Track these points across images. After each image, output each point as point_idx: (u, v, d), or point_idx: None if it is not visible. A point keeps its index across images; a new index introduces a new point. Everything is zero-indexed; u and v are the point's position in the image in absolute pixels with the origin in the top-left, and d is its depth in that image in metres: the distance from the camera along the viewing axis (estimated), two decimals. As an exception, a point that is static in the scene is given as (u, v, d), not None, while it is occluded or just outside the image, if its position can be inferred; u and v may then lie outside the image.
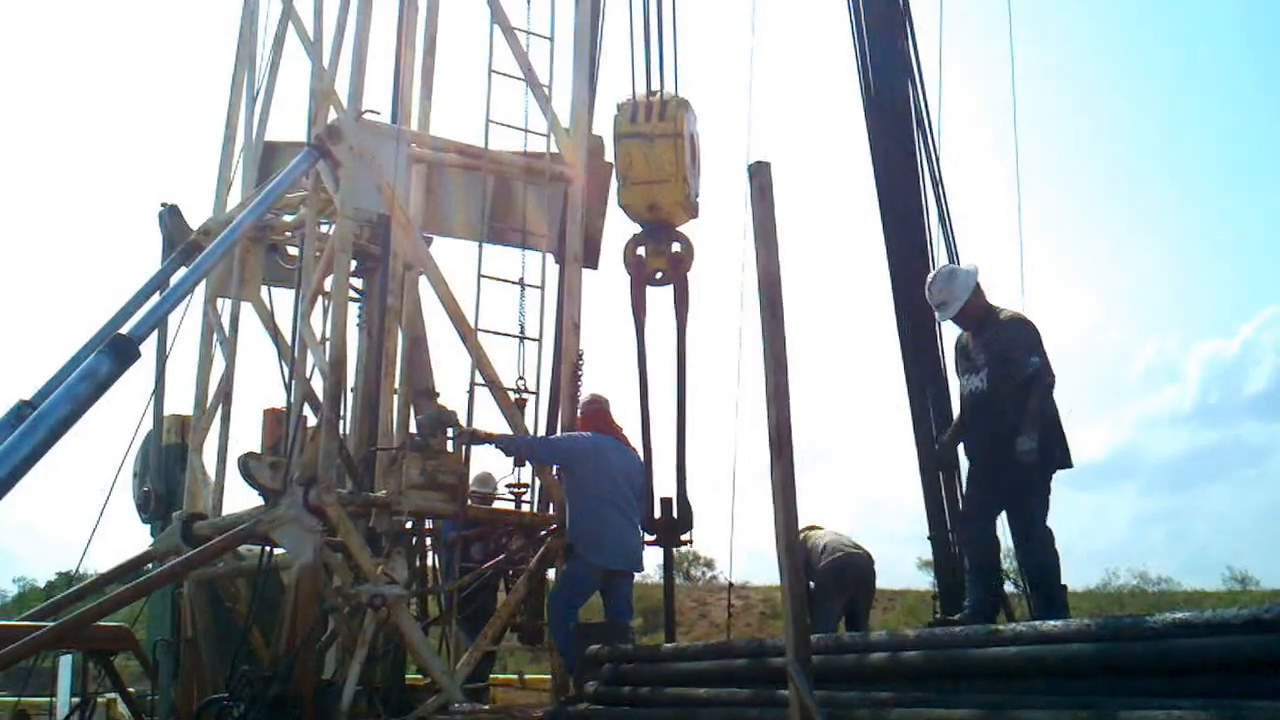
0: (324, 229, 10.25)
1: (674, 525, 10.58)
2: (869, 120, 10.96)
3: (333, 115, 9.79)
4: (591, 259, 10.62)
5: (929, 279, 9.18)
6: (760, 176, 7.88)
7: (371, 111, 9.59)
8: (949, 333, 9.68)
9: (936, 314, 9.16)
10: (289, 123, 11.28)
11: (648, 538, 10.22)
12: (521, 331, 9.76)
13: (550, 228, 10.17)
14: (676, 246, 10.94)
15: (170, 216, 11.54)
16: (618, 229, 10.99)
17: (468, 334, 9.55)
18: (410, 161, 9.85)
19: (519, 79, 10.10)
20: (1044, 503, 8.35)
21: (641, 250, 10.94)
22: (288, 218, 10.93)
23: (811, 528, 10.87)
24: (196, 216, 11.44)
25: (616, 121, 10.68)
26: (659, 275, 10.93)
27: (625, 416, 10.13)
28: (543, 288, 9.89)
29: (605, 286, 11.14)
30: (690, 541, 10.79)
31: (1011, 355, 8.48)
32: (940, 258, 10.55)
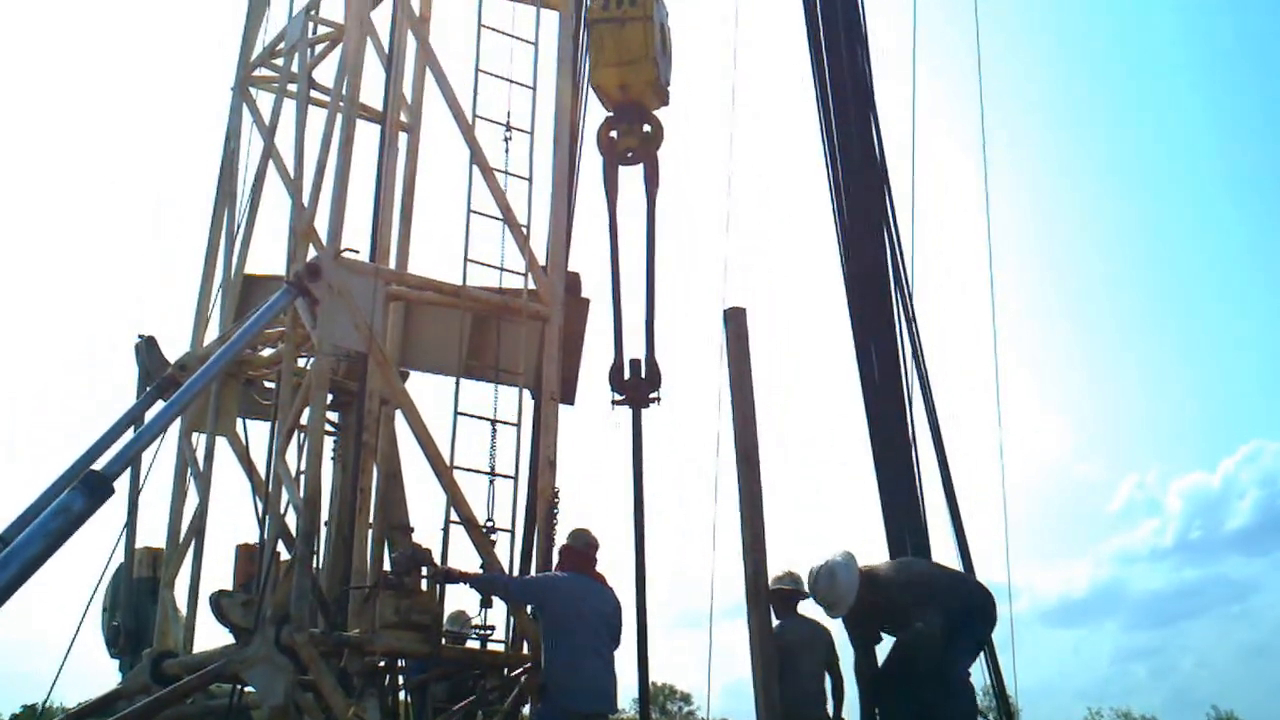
0: (301, 364, 10.28)
1: (642, 385, 11.14)
2: (847, 287, 11.15)
3: (312, 253, 9.89)
4: (568, 395, 10.67)
5: (810, 580, 9.52)
6: (736, 322, 8.04)
7: (350, 250, 9.68)
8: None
9: (827, 614, 9.56)
10: (269, 254, 11.40)
11: (617, 398, 10.96)
12: (492, 469, 9.78)
13: (527, 364, 10.23)
14: (647, 128, 11.50)
15: (147, 348, 11.54)
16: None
17: (443, 471, 9.55)
18: (388, 299, 9.93)
19: (497, 218, 10.23)
20: None
21: (614, 133, 11.50)
22: (265, 352, 10.96)
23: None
24: (173, 347, 11.48)
25: (589, 8, 11.20)
26: (630, 155, 11.54)
27: (598, 298, 10.85)
28: (519, 425, 9.92)
29: (582, 423, 11.21)
30: (658, 400, 11.19)
31: (909, 616, 9.01)
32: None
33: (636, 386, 11.25)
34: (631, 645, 10.60)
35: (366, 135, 10.50)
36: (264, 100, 11.76)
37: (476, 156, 10.26)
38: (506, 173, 10.36)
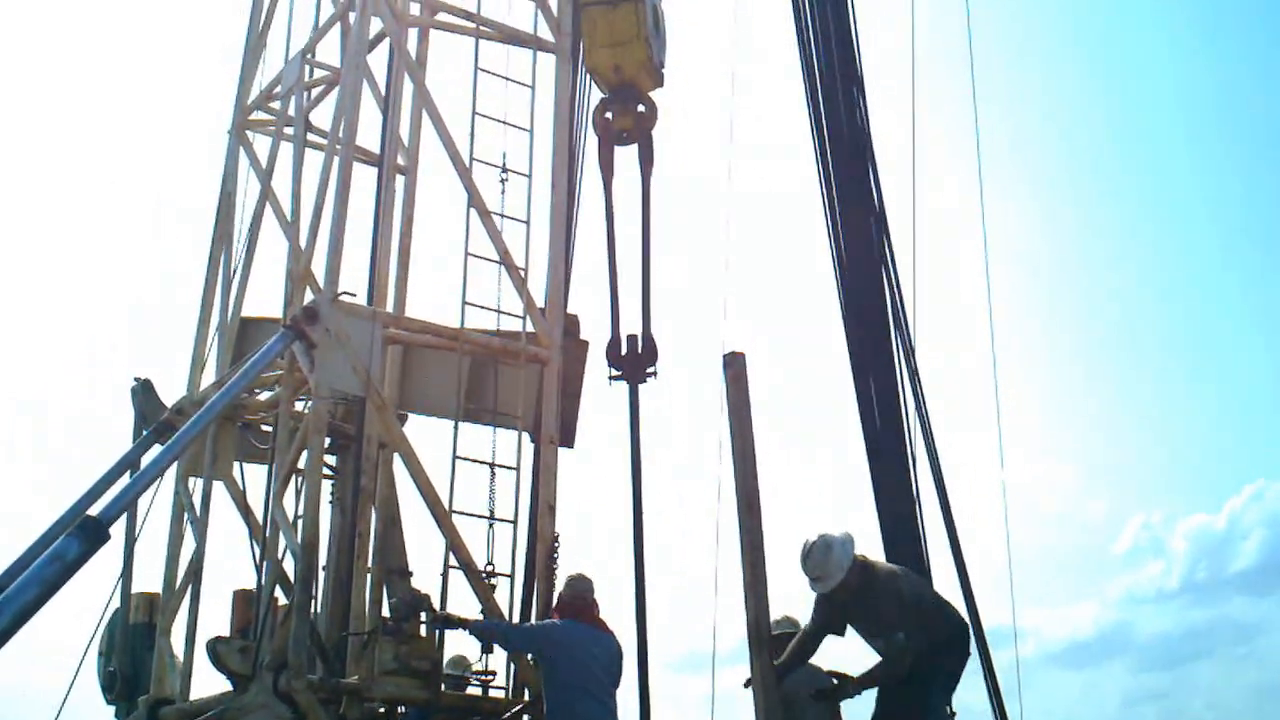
0: (299, 407, 10.24)
1: (639, 360, 11.38)
2: (845, 318, 11.13)
3: (309, 296, 9.87)
4: (568, 438, 10.63)
5: (804, 549, 9.39)
6: (735, 367, 8.03)
7: (348, 293, 9.66)
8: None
9: (810, 585, 9.39)
10: (266, 296, 11.38)
11: (614, 373, 11.28)
12: (492, 513, 9.73)
13: (526, 407, 10.19)
14: (641, 108, 11.64)
15: (143, 392, 11.49)
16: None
17: (442, 515, 9.51)
18: (385, 342, 9.90)
19: (495, 261, 10.22)
20: None
21: (609, 115, 11.67)
22: (262, 396, 10.92)
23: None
24: (169, 390, 11.44)
25: None
26: (624, 134, 11.69)
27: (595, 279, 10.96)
28: (518, 469, 9.88)
29: (581, 466, 11.18)
30: (655, 374, 11.41)
31: (884, 623, 8.91)
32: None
33: (633, 362, 11.43)
34: (633, 690, 10.51)
35: (363, 178, 10.52)
36: (261, 143, 11.76)
37: (474, 199, 10.26)
38: (505, 216, 10.36)
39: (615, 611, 10.07)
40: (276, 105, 11.66)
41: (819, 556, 9.26)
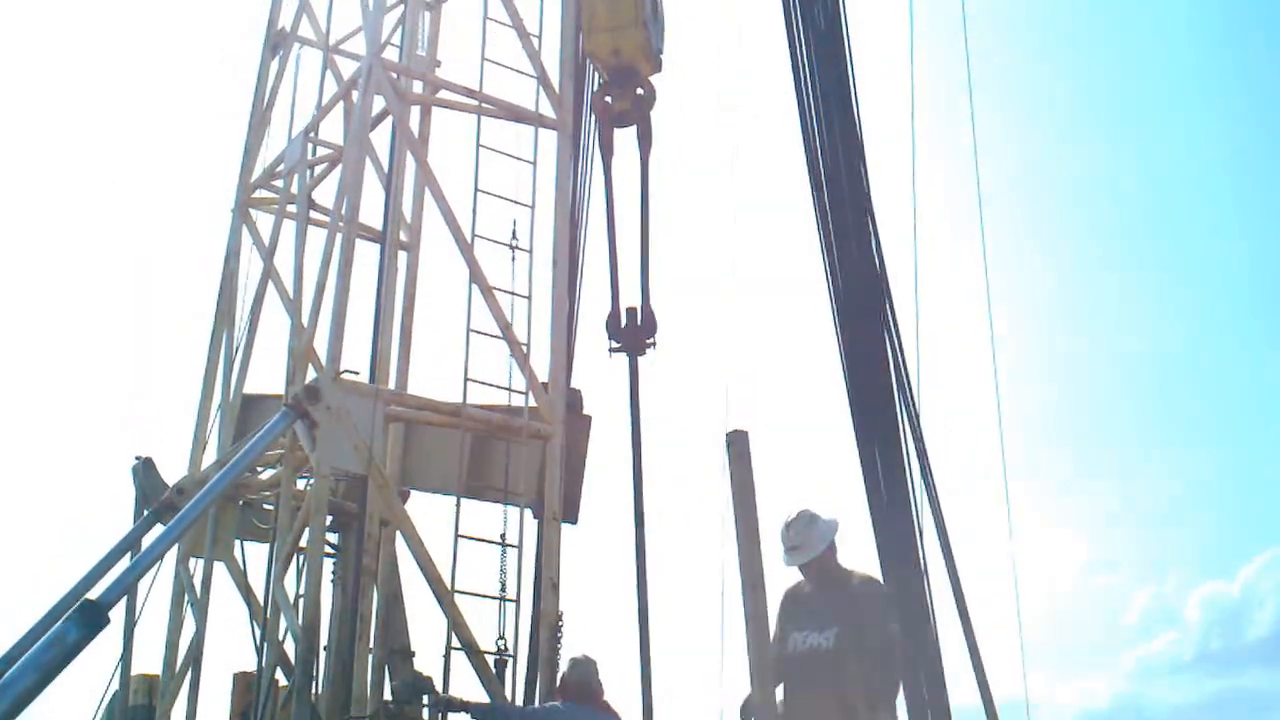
0: (300, 485, 10.18)
1: (638, 332, 11.61)
2: (848, 387, 11.06)
3: (311, 374, 9.83)
4: (571, 514, 10.55)
5: (787, 519, 9.27)
6: (738, 446, 7.97)
7: (350, 371, 9.64)
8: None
9: (784, 557, 9.23)
10: (268, 374, 11.37)
11: (614, 345, 11.56)
12: (503, 589, 9.63)
13: (528, 483, 10.12)
14: (640, 91, 11.86)
15: (145, 470, 11.44)
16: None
17: (444, 594, 9.40)
18: (387, 420, 9.85)
19: (497, 337, 10.19)
20: None
21: (608, 98, 11.89)
22: (263, 475, 10.87)
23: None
24: (170, 468, 11.38)
25: None
26: (623, 116, 11.90)
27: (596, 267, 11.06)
28: (520, 546, 9.79)
29: (586, 542, 11.08)
30: (654, 344, 11.65)
31: (867, 623, 8.58)
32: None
33: (633, 333, 11.66)
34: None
35: (366, 254, 10.53)
36: (263, 220, 11.80)
37: (475, 275, 10.24)
38: (508, 291, 10.35)
39: (621, 690, 9.99)
40: (279, 183, 11.71)
41: (801, 527, 9.14)
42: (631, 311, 11.76)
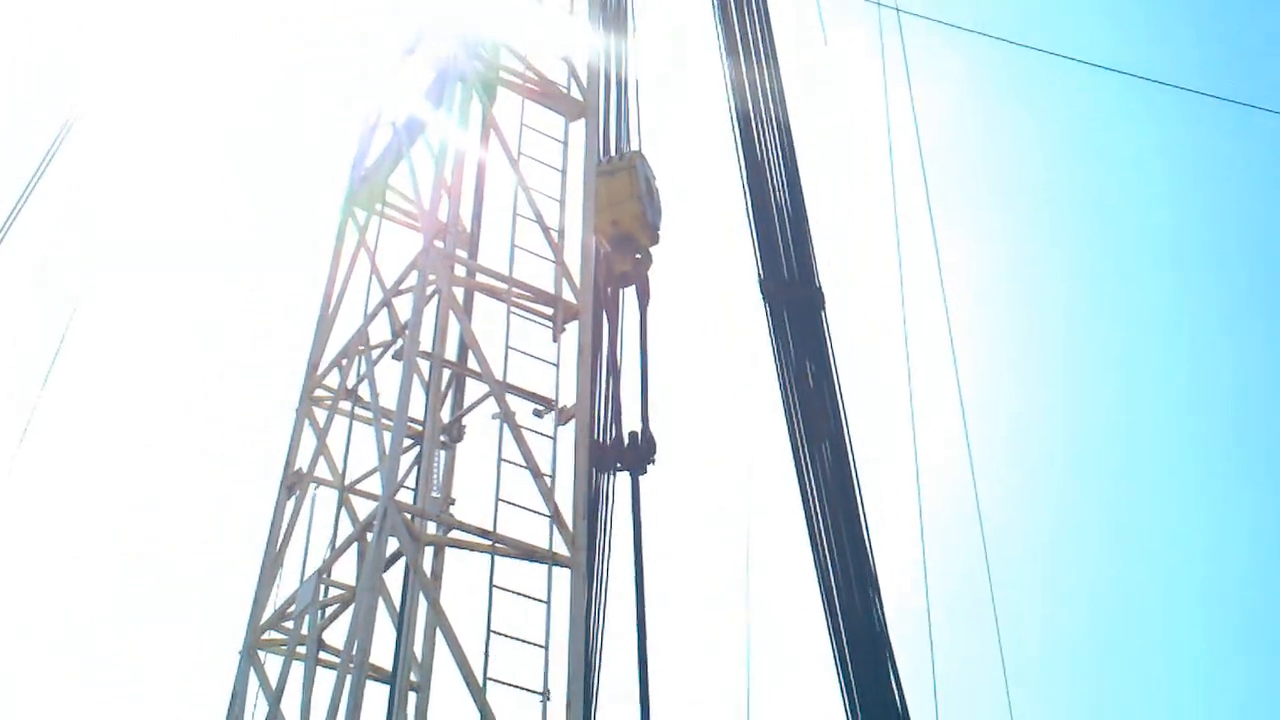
0: None
1: (640, 454, 12.86)
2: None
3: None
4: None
5: None
6: None
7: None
8: None
9: None
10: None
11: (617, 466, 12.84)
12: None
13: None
14: (638, 255, 13.57)
15: None
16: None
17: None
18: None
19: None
20: None
21: (610, 264, 13.41)
22: None
23: None
24: None
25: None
26: (624, 277, 13.53)
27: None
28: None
29: None
30: (654, 462, 12.86)
31: None
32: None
33: (635, 455, 12.89)
34: None
35: (375, 694, 10.33)
36: (271, 662, 11.65)
37: (487, 718, 9.99)
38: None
39: None
40: (290, 625, 11.63)
41: None
42: (634, 435, 12.97)
